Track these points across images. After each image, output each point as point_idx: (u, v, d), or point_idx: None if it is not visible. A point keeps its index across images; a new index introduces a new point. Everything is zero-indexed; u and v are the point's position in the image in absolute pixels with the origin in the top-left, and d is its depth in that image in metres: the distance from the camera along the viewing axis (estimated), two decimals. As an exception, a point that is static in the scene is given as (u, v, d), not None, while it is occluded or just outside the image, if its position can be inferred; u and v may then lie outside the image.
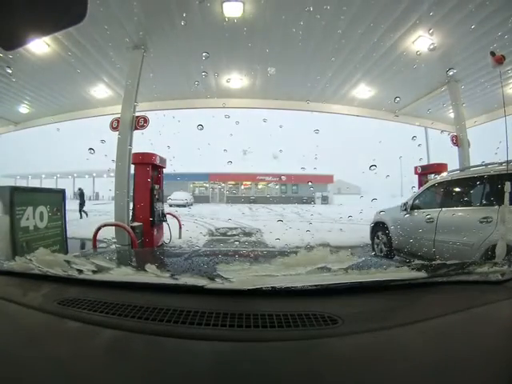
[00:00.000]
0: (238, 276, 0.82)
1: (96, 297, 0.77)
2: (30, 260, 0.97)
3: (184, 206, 20.26)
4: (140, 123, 4.90)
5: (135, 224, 4.84)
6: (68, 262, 0.97)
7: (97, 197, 32.03)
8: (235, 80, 6.79)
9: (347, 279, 0.81)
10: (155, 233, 5.34)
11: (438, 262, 0.97)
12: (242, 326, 0.63)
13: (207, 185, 29.50)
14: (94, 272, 0.90)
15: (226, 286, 0.78)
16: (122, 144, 4.81)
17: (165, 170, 6.17)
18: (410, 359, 0.54)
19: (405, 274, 0.86)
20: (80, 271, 0.89)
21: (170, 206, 18.63)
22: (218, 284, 0.79)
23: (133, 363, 0.53)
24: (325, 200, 26.36)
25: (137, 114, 5.10)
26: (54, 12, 0.64)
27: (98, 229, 4.36)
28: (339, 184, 35.43)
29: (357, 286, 0.79)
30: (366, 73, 6.86)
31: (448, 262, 0.92)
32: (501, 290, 0.83)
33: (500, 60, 4.98)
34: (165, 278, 0.83)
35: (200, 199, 26.96)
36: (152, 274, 0.85)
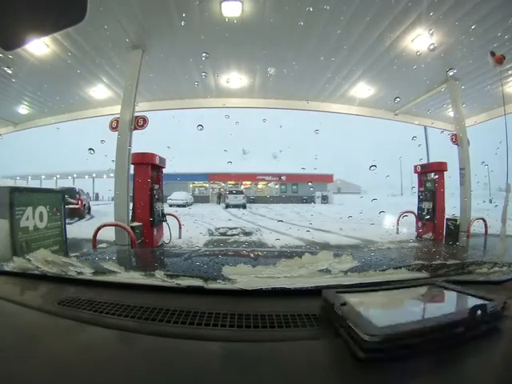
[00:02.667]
0: (238, 277, 0.82)
1: (96, 297, 0.77)
2: (30, 260, 0.97)
3: (184, 205, 20.25)
4: (139, 123, 4.90)
5: (135, 224, 4.84)
6: (68, 262, 0.97)
7: (96, 197, 32.04)
8: (235, 80, 6.78)
9: (347, 280, 0.81)
10: (155, 233, 5.35)
11: (438, 262, 0.96)
12: (241, 326, 0.63)
13: (207, 185, 29.48)
14: (94, 272, 0.90)
15: (226, 286, 0.79)
16: (122, 144, 4.80)
17: (164, 170, 6.17)
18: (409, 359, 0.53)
19: (405, 274, 0.86)
20: (80, 271, 0.90)
21: (170, 206, 18.65)
22: (217, 284, 0.79)
23: (133, 363, 0.53)
24: (324, 199, 26.37)
25: (136, 114, 5.10)
26: (54, 12, 0.64)
27: (98, 229, 4.36)
28: (339, 183, 35.42)
29: (357, 287, 0.78)
30: (366, 72, 6.86)
31: (448, 262, 0.91)
32: (501, 290, 0.83)
33: (500, 60, 5.10)
34: (165, 278, 0.82)
35: (200, 199, 26.97)
36: (152, 274, 0.85)
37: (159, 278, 0.83)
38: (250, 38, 5.49)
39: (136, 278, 0.86)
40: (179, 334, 0.60)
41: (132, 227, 4.61)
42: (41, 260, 0.97)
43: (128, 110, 4.93)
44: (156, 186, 5.57)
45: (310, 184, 26.71)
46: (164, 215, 5.79)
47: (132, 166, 5.18)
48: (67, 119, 9.04)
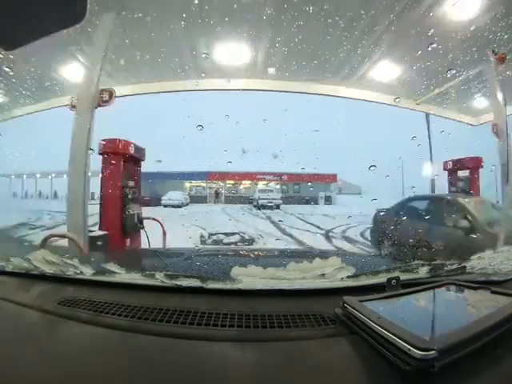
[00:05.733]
0: (241, 277, 0.83)
1: (96, 297, 0.79)
2: (30, 260, 0.99)
3: (179, 206, 19.14)
4: (104, 98, 3.69)
5: (96, 234, 3.64)
6: (67, 262, 1.00)
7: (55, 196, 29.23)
8: (234, 55, 5.63)
9: (347, 280, 0.83)
10: (128, 243, 4.16)
11: (438, 261, 0.98)
12: (242, 326, 0.65)
13: (204, 184, 28.31)
14: (94, 272, 0.91)
15: (226, 286, 0.80)
16: (80, 125, 3.60)
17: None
18: None
19: (405, 274, 0.89)
20: (80, 271, 0.91)
21: (165, 206, 17.56)
22: (217, 284, 0.81)
23: (132, 363, 0.54)
24: (328, 200, 25.40)
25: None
26: (54, 12, 0.64)
27: (45, 240, 3.21)
28: (340, 184, 34.56)
29: (356, 287, 0.81)
30: (385, 52, 5.77)
31: (448, 262, 0.95)
32: (501, 290, 0.86)
33: (502, 59, 4.85)
34: (165, 279, 0.83)
35: (197, 199, 25.86)
36: (152, 275, 0.85)
37: (159, 278, 0.83)
38: (252, 4, 4.39)
39: (136, 278, 0.86)
40: (179, 334, 0.62)
41: (92, 238, 3.44)
42: (40, 260, 1.00)
43: (91, 82, 3.74)
44: (131, 183, 4.39)
45: (312, 184, 25.62)
46: (141, 221, 4.58)
47: (100, 158, 4.04)
48: (45, 107, 7.79)
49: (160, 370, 0.50)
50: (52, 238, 2.89)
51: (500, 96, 5.98)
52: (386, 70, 6.48)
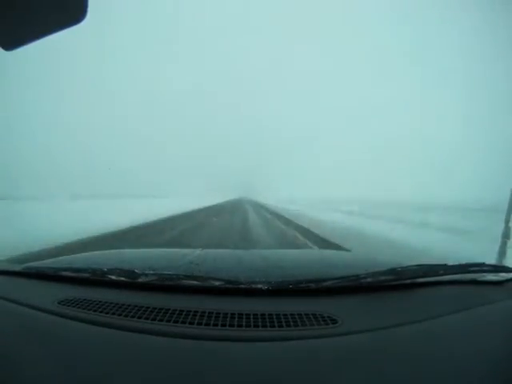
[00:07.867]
0: (237, 274, 0.85)
1: (96, 297, 0.80)
2: (30, 260, 1.06)
3: None
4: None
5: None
6: (67, 262, 1.07)
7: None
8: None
9: (347, 280, 0.82)
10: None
11: (438, 262, 0.96)
12: (242, 325, 0.65)
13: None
14: (94, 272, 0.91)
15: (226, 286, 0.80)
16: None
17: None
18: (409, 358, 0.56)
19: (405, 274, 0.87)
20: (80, 271, 0.93)
21: None
22: (218, 284, 0.80)
23: (132, 362, 0.54)
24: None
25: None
26: (54, 12, 0.65)
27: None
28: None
29: (356, 286, 0.81)
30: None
31: (448, 262, 0.94)
32: (501, 290, 0.87)
33: None
34: (165, 278, 0.84)
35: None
36: (152, 274, 0.85)
37: (159, 279, 0.83)
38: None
39: (136, 278, 0.85)
40: (179, 333, 0.61)
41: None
42: (42, 260, 1.07)
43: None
44: None
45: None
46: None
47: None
48: None
49: (160, 369, 0.50)
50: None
51: None
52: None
